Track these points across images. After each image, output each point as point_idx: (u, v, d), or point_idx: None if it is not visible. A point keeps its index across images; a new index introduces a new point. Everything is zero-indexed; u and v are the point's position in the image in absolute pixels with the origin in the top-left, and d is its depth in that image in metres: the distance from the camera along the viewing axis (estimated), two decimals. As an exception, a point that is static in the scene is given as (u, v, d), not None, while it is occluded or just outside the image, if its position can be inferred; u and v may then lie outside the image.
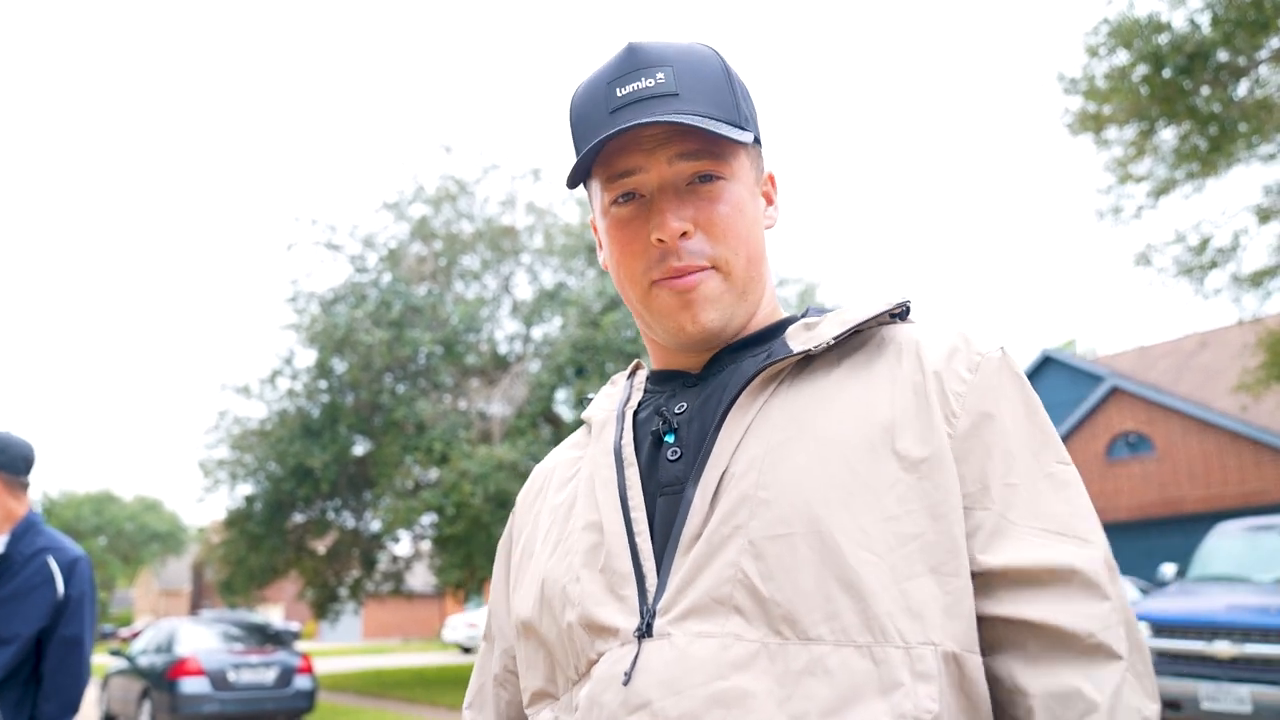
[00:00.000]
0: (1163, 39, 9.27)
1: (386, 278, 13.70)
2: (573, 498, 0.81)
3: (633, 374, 0.91)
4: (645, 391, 0.86)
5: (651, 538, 0.72)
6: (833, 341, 0.74)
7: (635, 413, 0.84)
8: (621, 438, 0.80)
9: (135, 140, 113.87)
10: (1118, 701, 0.62)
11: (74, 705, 2.38)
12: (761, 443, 0.71)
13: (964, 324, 0.78)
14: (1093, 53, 9.86)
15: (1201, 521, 13.19)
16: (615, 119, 0.76)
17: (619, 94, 0.77)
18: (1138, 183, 10.77)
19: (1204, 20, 9.13)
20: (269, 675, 10.19)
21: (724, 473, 0.70)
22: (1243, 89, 9.73)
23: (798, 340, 0.77)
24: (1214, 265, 10.99)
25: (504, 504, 12.28)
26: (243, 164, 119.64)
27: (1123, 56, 9.69)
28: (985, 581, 0.66)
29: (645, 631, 0.67)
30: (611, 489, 0.76)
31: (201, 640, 10.56)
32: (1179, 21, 9.33)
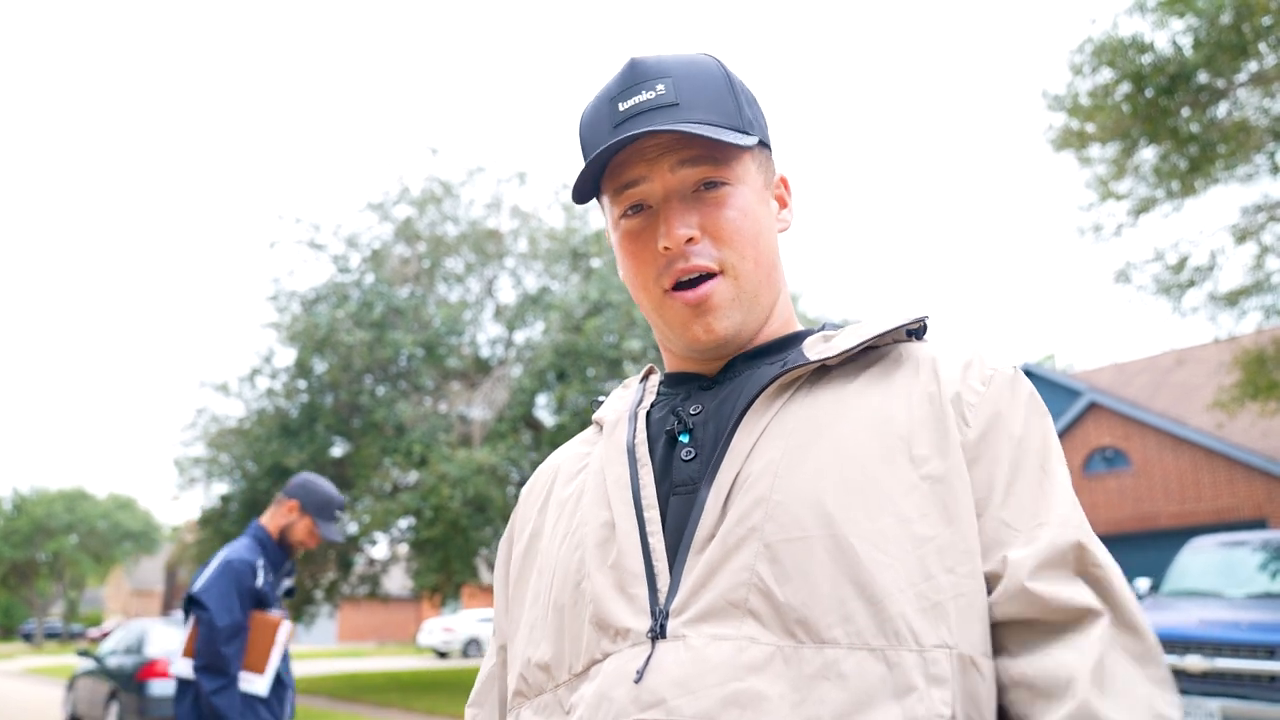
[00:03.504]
0: (1146, 59, 9.39)
1: (369, 278, 13.62)
2: (580, 491, 0.81)
3: (645, 377, 0.91)
4: (659, 394, 0.87)
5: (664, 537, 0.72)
6: (851, 352, 0.75)
7: (648, 413, 0.84)
8: (635, 437, 0.80)
9: (117, 134, 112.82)
10: (1101, 662, 0.62)
11: None
12: (778, 446, 0.71)
13: (978, 343, 0.80)
14: (1077, 71, 9.98)
15: (1175, 537, 13.32)
16: (618, 133, 0.78)
17: (620, 109, 0.79)
18: (1118, 200, 10.88)
19: (1186, 42, 9.26)
20: (240, 678, 10.04)
21: (738, 474, 0.71)
22: (1222, 111, 9.88)
23: (815, 351, 0.79)
24: (1191, 284, 11.13)
25: (482, 508, 12.20)
26: (226, 160, 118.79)
27: (1106, 75, 9.80)
28: (989, 587, 0.67)
29: (659, 633, 0.67)
30: (624, 487, 0.76)
31: (173, 641, 10.39)
32: (1162, 43, 9.46)
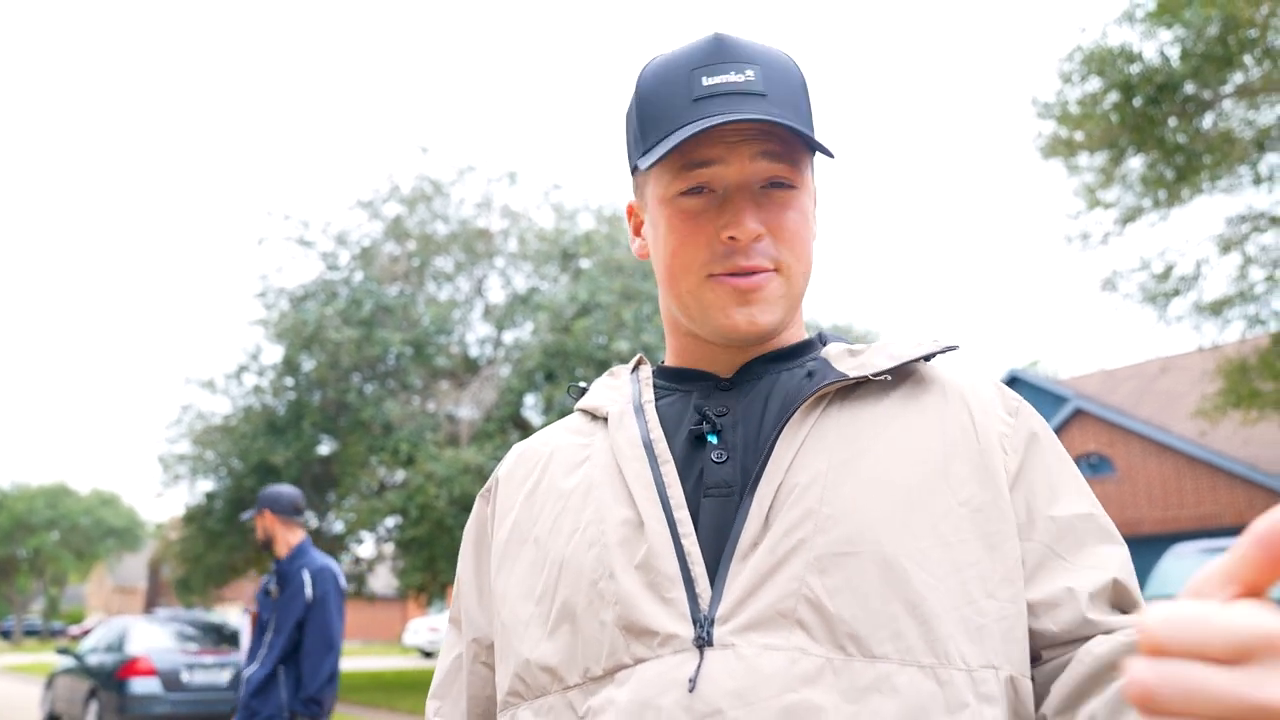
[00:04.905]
0: (1134, 69, 9.49)
1: (358, 276, 13.57)
2: (587, 484, 0.77)
3: (635, 368, 0.88)
4: (658, 388, 0.84)
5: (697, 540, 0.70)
6: (888, 375, 0.75)
7: (657, 407, 0.81)
8: (650, 432, 0.77)
9: (102, 128, 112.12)
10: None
11: (324, 673, 3.45)
12: (822, 459, 0.71)
13: (987, 372, 0.83)
14: (1066, 79, 10.06)
15: (1159, 543, 13.41)
16: (700, 108, 0.74)
17: (704, 83, 0.75)
18: (1106, 209, 10.97)
19: (1174, 53, 9.36)
20: (223, 676, 9.99)
21: (781, 484, 0.70)
22: (1208, 121, 9.98)
23: (844, 365, 0.78)
24: (1176, 293, 11.23)
25: (468, 507, 12.14)
26: (215, 156, 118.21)
27: (1095, 84, 9.89)
28: (1032, 609, 0.69)
29: (706, 640, 0.65)
30: (648, 484, 0.73)
31: (154, 639, 10.32)
32: (1150, 53, 9.56)
